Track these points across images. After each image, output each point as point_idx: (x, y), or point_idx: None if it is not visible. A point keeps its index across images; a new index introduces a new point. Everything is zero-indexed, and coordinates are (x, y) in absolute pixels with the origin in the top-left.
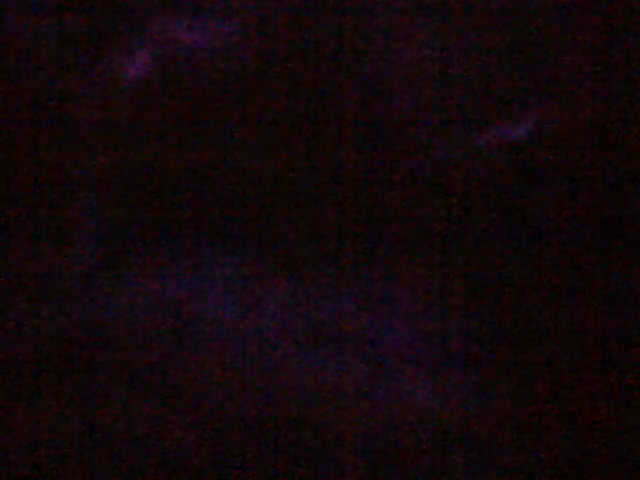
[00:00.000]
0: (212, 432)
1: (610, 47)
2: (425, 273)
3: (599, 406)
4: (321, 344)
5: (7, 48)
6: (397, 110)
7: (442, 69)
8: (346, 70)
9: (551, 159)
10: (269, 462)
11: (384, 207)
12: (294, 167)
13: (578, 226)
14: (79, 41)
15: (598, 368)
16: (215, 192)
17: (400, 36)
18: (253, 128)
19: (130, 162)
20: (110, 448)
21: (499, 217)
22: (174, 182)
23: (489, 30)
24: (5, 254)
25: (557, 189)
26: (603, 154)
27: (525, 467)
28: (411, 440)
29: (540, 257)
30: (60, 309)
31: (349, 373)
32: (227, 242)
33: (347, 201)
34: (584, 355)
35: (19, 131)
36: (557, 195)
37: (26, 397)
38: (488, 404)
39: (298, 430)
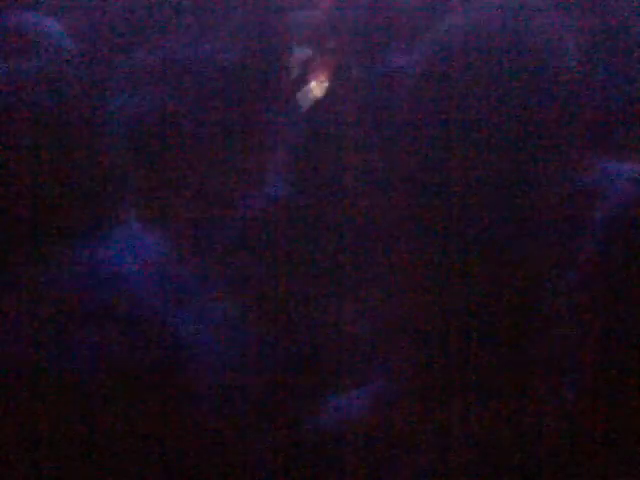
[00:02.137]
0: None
1: None
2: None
3: (599, 406)
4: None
5: None
6: None
7: None
8: None
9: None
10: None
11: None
12: None
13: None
14: None
15: (598, 368)
16: None
17: None
18: None
19: None
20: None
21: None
22: None
23: None
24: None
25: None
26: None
27: (525, 467)
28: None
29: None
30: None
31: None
32: None
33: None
34: (584, 355)
35: None
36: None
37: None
38: (488, 404)
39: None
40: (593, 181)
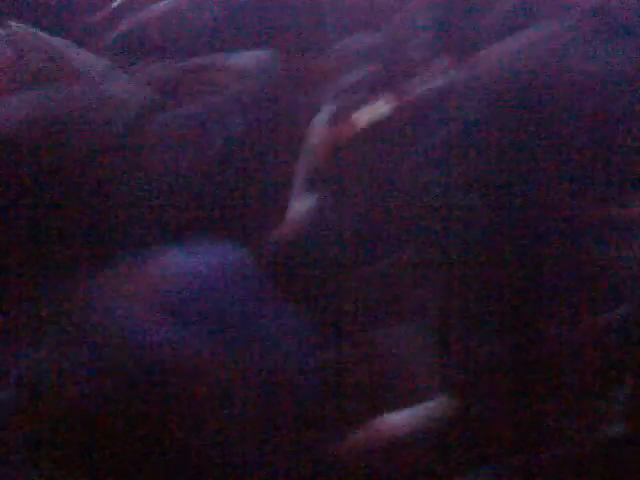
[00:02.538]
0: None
1: None
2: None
3: (599, 406)
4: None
5: None
6: None
7: None
8: None
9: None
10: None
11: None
12: None
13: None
14: None
15: (598, 368)
16: None
17: None
18: None
19: None
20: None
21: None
22: None
23: None
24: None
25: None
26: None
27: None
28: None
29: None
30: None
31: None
32: None
33: None
34: (584, 355)
35: None
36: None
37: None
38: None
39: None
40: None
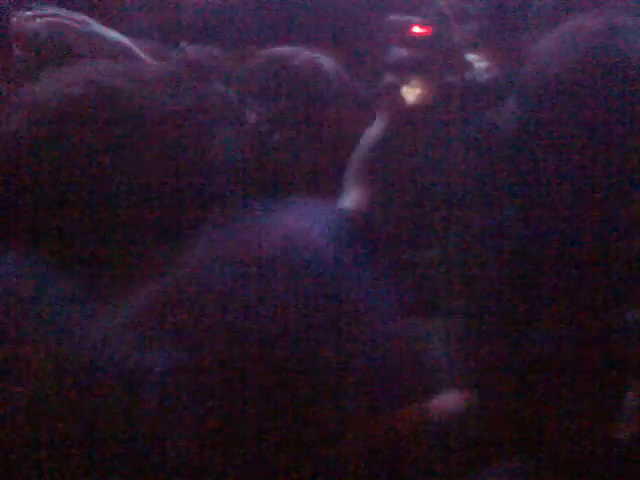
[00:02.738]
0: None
1: None
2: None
3: (599, 408)
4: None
5: None
6: None
7: None
8: None
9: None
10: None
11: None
12: None
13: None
14: None
15: (598, 368)
16: None
17: None
18: None
19: None
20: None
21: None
22: None
23: None
24: None
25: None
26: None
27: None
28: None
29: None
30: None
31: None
32: None
33: None
34: (584, 355)
35: None
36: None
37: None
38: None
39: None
40: None
